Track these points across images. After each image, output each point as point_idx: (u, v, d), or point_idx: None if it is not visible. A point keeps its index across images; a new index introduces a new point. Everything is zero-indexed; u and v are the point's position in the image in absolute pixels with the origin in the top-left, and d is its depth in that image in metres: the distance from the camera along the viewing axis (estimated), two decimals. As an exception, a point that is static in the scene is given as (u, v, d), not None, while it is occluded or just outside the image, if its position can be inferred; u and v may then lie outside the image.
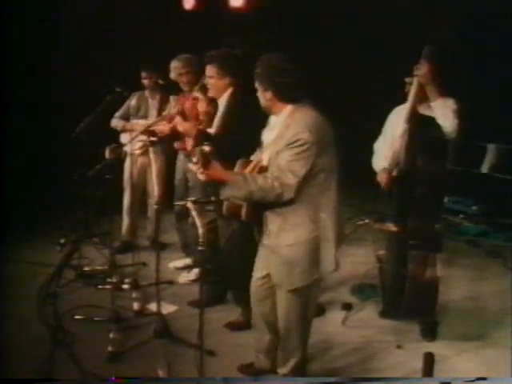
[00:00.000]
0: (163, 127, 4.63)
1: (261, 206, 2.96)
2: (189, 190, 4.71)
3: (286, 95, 2.94)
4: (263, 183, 2.81)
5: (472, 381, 2.80)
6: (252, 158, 3.21)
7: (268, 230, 3.00)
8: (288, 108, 2.95)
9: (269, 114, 3.08)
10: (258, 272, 3.18)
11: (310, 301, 3.09)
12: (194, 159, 2.98)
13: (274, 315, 3.18)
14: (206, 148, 2.86)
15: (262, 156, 3.05)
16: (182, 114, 4.37)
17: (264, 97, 2.99)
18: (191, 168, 3.82)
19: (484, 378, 2.97)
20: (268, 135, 3.09)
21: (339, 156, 2.99)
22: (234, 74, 3.85)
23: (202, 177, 2.99)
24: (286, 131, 2.89)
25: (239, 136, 3.54)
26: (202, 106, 4.12)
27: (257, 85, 3.01)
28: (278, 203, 2.86)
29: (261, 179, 2.83)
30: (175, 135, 4.52)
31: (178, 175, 5.02)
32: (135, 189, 5.46)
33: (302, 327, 3.11)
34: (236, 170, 3.10)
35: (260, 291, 3.18)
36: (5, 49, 6.14)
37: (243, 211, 2.99)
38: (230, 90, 3.89)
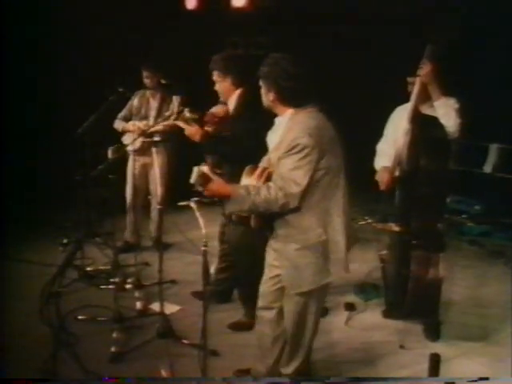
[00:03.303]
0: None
1: (269, 214, 2.91)
2: None
3: (289, 99, 2.88)
4: (267, 195, 2.75)
5: (475, 381, 2.78)
6: (261, 163, 3.11)
7: (276, 234, 2.96)
8: (290, 111, 2.90)
9: (273, 112, 3.01)
10: (267, 273, 3.14)
11: (319, 303, 3.05)
12: (192, 179, 2.86)
13: (279, 326, 3.13)
14: (204, 168, 2.80)
15: (270, 161, 2.98)
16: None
17: (266, 97, 2.94)
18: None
19: (486, 378, 2.96)
20: (272, 138, 3.03)
21: (345, 158, 2.95)
22: (235, 73, 3.81)
23: (205, 193, 2.91)
24: (286, 135, 2.84)
25: (247, 139, 3.51)
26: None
27: (260, 83, 2.95)
28: (283, 211, 2.83)
29: (264, 191, 2.76)
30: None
31: None
32: (138, 189, 5.47)
33: (310, 330, 3.07)
34: (243, 176, 3.02)
35: (269, 292, 3.13)
36: (6, 49, 6.15)
37: (252, 219, 2.96)
38: (237, 92, 3.84)
